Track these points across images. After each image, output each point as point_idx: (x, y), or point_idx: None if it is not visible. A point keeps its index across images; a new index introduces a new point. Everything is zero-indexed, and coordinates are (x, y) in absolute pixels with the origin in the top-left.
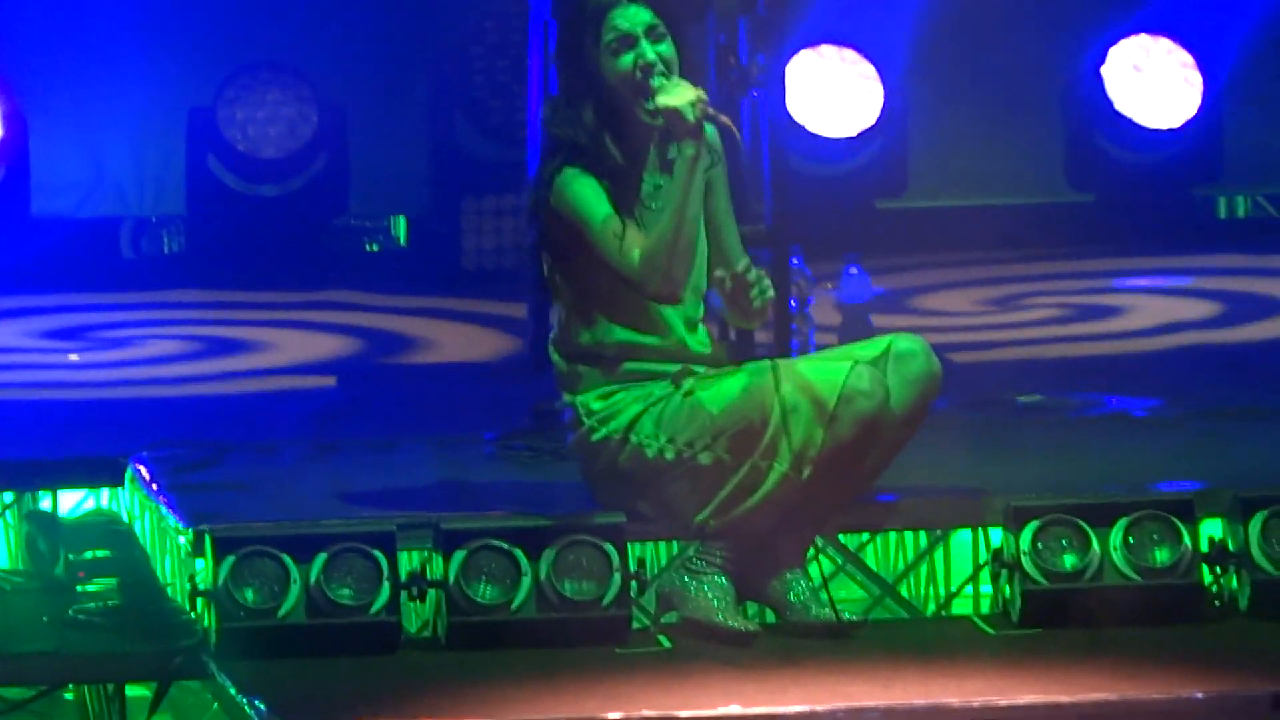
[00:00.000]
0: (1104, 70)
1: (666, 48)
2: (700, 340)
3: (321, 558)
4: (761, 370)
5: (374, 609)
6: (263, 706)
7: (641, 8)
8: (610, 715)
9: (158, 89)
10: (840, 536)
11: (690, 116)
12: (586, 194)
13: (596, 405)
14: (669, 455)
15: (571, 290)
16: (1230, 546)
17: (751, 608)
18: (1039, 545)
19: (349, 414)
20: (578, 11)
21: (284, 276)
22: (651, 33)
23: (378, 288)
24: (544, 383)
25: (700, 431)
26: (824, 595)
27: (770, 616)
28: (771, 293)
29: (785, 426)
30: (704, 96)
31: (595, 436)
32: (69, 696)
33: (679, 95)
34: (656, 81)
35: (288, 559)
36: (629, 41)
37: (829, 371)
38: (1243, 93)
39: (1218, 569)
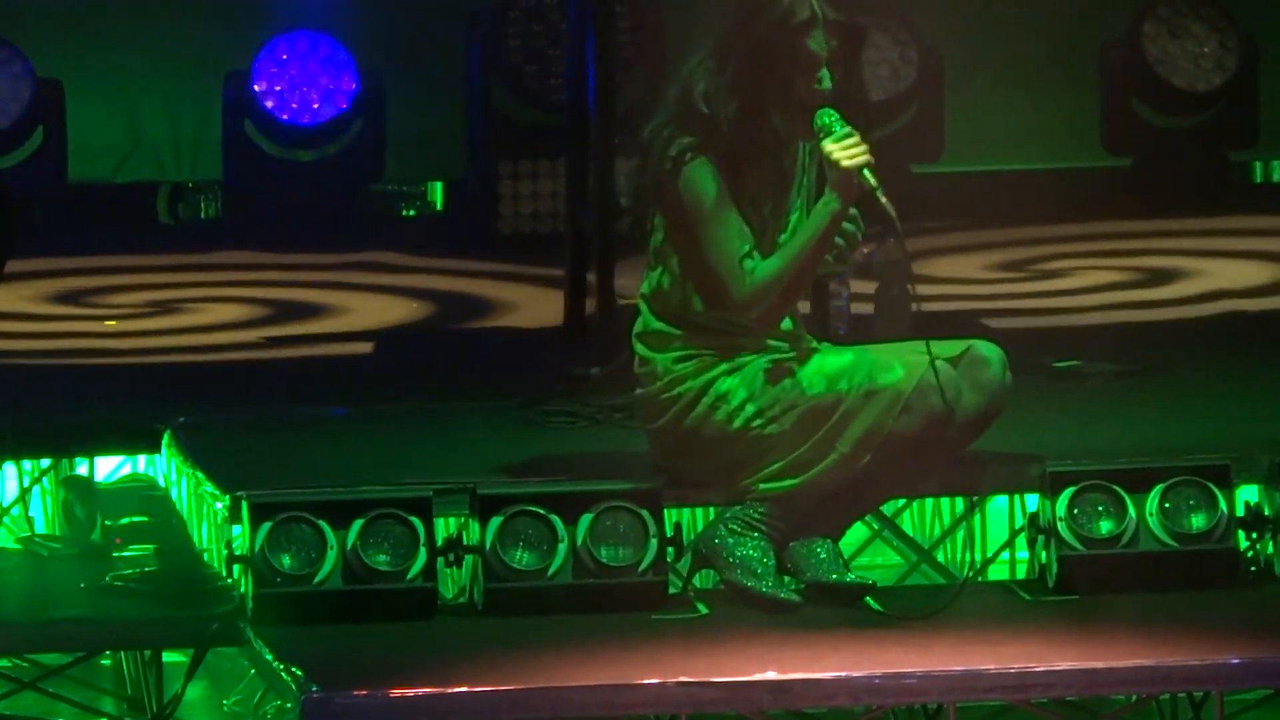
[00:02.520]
0: (1140, 34)
1: (842, 77)
2: (786, 320)
3: (358, 524)
4: (840, 353)
5: (410, 575)
6: (299, 672)
7: (828, 36)
8: (646, 681)
9: (195, 54)
10: None
11: (855, 180)
12: (716, 196)
13: (676, 365)
14: (737, 421)
15: (677, 259)
16: (1266, 512)
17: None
18: (1075, 511)
19: (385, 379)
20: (768, 24)
21: (321, 241)
22: (833, 61)
23: (414, 252)
24: (581, 349)
25: (773, 402)
26: (841, 561)
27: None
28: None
29: (857, 411)
30: (872, 162)
31: (667, 394)
32: (106, 663)
33: (853, 153)
34: (826, 119)
35: (324, 525)
36: (816, 65)
37: (910, 364)
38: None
39: (1253, 534)
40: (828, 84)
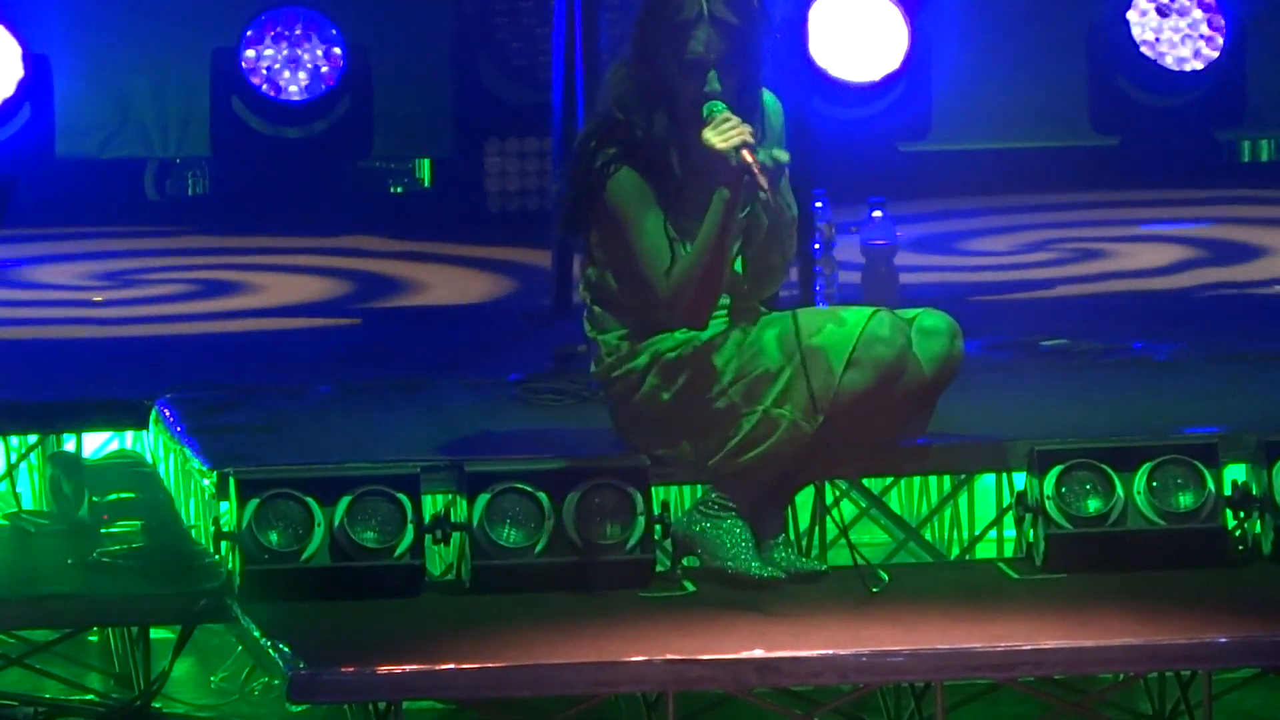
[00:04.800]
0: (1128, 13)
1: (737, 76)
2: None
3: (345, 500)
4: (781, 319)
5: (398, 552)
6: (286, 649)
7: (716, 34)
8: (633, 659)
9: (182, 30)
10: (864, 480)
11: (733, 161)
12: (637, 204)
13: (621, 343)
14: (684, 395)
15: (607, 257)
16: (1254, 490)
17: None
18: (1063, 489)
19: (373, 356)
20: (658, 18)
21: (308, 218)
22: (723, 60)
23: (402, 230)
24: (567, 326)
25: (715, 377)
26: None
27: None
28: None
29: (803, 373)
30: (749, 141)
31: (616, 372)
32: (93, 639)
33: (725, 136)
34: (706, 111)
35: (312, 502)
36: (702, 66)
37: (849, 318)
38: (1267, 36)
39: (1241, 513)
40: (716, 85)
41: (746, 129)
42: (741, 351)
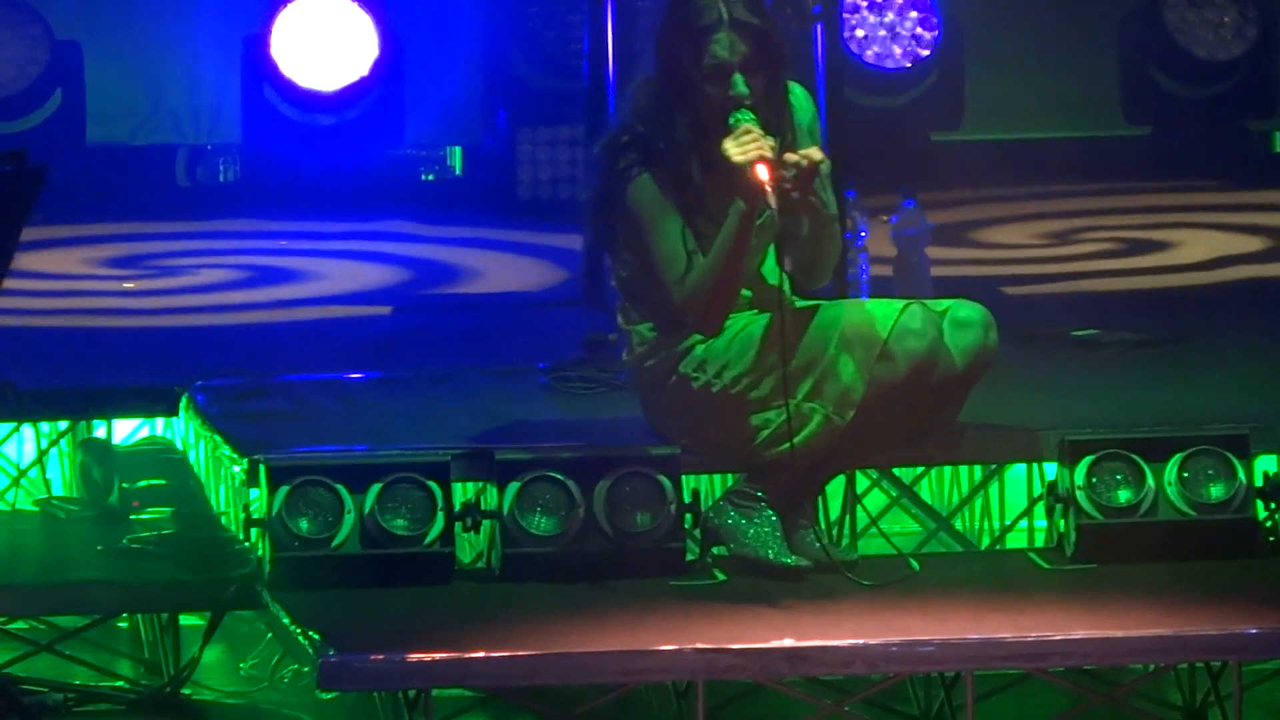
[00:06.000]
0: (1161, 3)
1: (763, 78)
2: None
3: (376, 488)
4: (813, 312)
5: (428, 540)
6: (316, 636)
7: (739, 38)
8: (663, 647)
9: (214, 18)
10: (895, 470)
11: (749, 175)
12: (657, 210)
13: (651, 335)
14: (716, 386)
15: (634, 256)
16: None
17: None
18: (1093, 480)
19: (404, 344)
20: (679, 26)
21: (339, 206)
22: (747, 63)
23: (433, 218)
24: (598, 314)
25: (752, 366)
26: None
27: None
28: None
29: (835, 367)
30: (766, 156)
31: (649, 360)
32: (123, 625)
33: (743, 149)
34: (732, 120)
35: (342, 489)
36: (724, 71)
37: (880, 311)
38: None
39: (1272, 504)
40: (743, 88)
41: (765, 143)
42: (773, 344)
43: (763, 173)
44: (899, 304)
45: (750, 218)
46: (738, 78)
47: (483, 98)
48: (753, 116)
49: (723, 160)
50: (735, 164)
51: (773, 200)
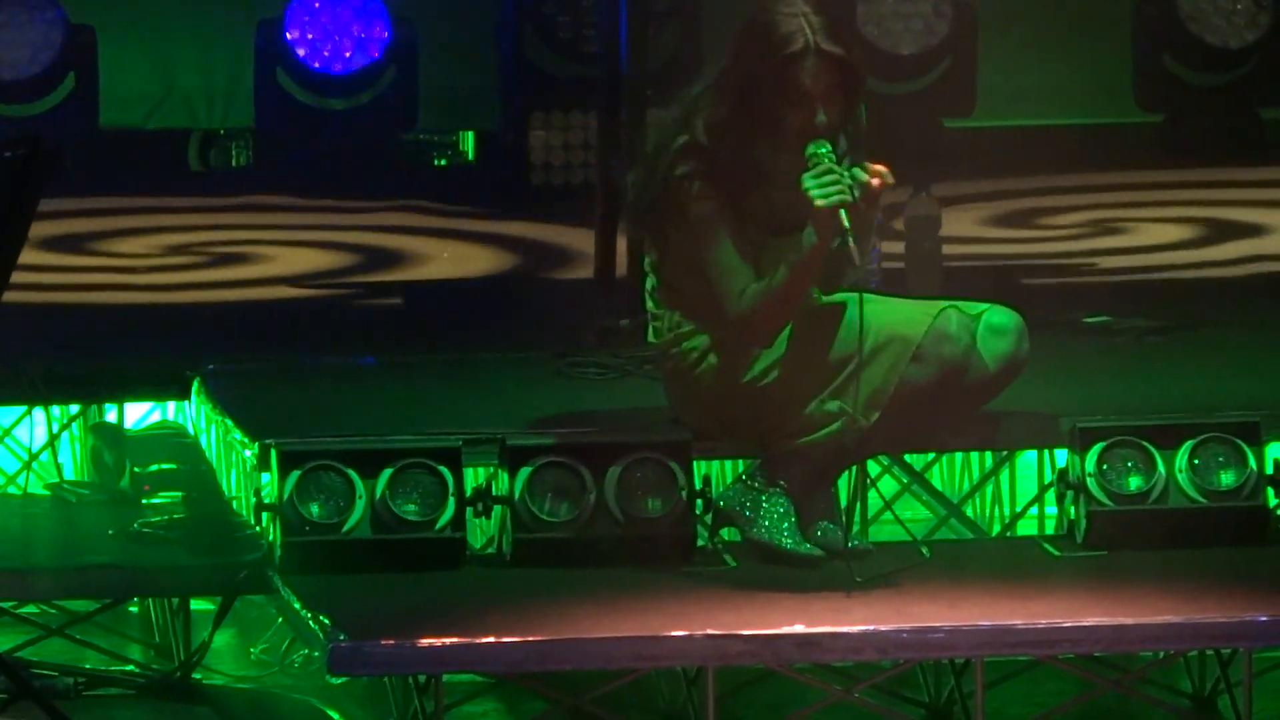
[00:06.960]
0: None
1: (839, 108)
2: None
3: (387, 473)
4: (845, 309)
5: (439, 525)
6: (327, 621)
7: (823, 67)
8: (674, 633)
9: (227, 1)
10: (906, 456)
11: (833, 218)
12: (715, 223)
13: (683, 322)
14: (745, 376)
15: (681, 258)
16: None
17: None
18: (1104, 467)
19: (415, 329)
20: (761, 48)
21: (352, 190)
22: (829, 93)
23: (446, 202)
24: (611, 300)
25: (775, 364)
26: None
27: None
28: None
29: (865, 367)
30: (848, 201)
31: (676, 347)
32: (133, 610)
33: (825, 192)
34: (810, 151)
35: (353, 474)
36: (807, 100)
37: (917, 313)
38: None
39: None
40: (822, 118)
41: (847, 187)
42: (803, 339)
43: (843, 216)
44: (934, 306)
45: (823, 251)
46: (819, 108)
47: (496, 82)
48: (829, 148)
49: (792, 184)
50: (815, 204)
51: (854, 251)
